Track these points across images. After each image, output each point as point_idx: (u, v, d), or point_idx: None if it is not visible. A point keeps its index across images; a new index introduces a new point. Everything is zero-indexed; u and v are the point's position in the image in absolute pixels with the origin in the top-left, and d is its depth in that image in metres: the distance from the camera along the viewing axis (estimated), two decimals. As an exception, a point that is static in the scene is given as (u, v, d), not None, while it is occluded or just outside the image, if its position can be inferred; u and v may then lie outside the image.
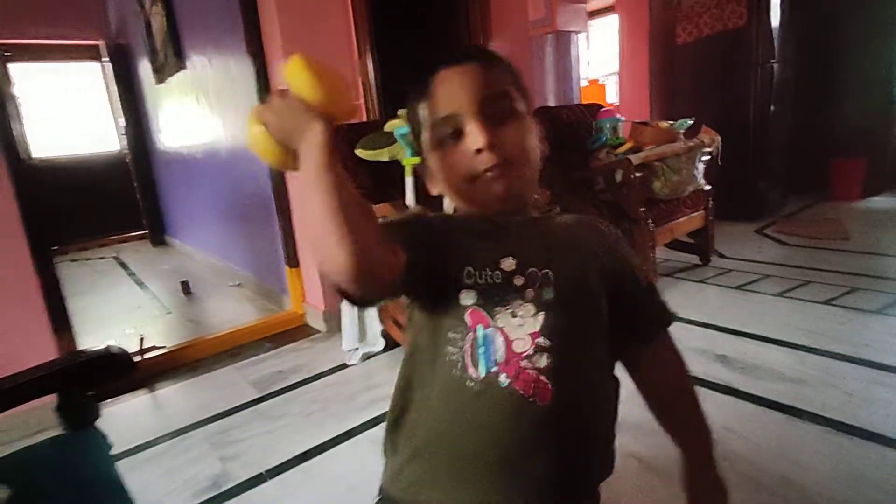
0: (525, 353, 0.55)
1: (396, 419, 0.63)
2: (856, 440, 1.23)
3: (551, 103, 2.88)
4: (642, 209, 2.17)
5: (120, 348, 0.82)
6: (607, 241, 0.65)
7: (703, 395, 1.45)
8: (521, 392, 0.54)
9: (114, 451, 1.40)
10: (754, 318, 1.93)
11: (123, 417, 1.73)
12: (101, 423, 0.77)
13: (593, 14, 5.43)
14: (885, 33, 3.55)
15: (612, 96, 4.40)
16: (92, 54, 4.84)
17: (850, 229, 2.93)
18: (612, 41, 3.97)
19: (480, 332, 0.56)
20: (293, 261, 2.35)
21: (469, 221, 0.64)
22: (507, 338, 0.56)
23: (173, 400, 1.83)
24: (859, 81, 3.68)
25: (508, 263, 0.58)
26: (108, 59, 4.51)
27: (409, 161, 1.86)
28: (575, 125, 2.63)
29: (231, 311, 2.72)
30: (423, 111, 0.63)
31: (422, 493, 0.58)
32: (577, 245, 0.63)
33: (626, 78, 3.84)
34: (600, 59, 6.00)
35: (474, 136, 0.58)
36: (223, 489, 1.28)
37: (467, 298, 0.57)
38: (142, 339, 2.00)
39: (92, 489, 0.62)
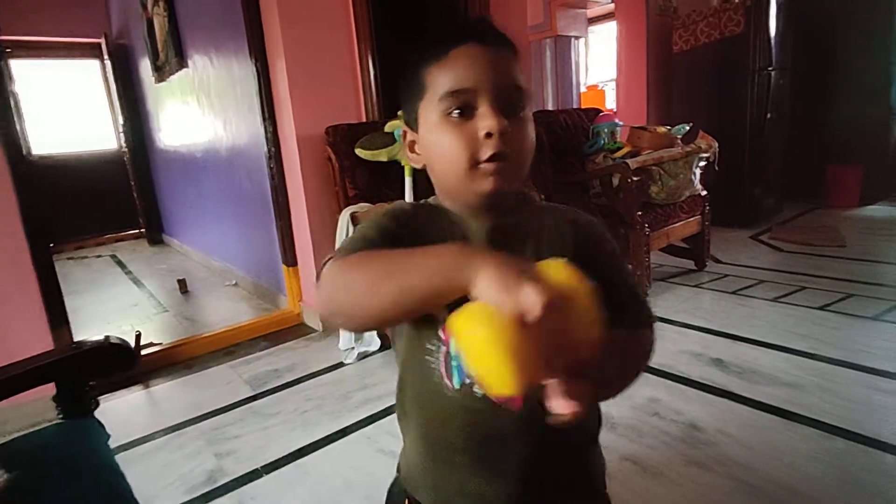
0: None
1: (400, 407, 0.65)
2: (852, 444, 1.24)
3: (550, 107, 2.89)
4: (638, 213, 2.19)
5: (119, 339, 0.82)
6: (589, 237, 0.63)
7: (698, 397, 1.47)
8: (496, 400, 0.52)
9: (110, 445, 1.40)
10: (749, 323, 1.94)
11: (119, 413, 1.73)
12: (99, 417, 0.77)
13: (593, 20, 5.47)
14: (882, 42, 3.59)
15: (611, 102, 4.42)
16: (93, 52, 4.84)
17: (846, 236, 2.95)
18: (612, 47, 3.99)
19: (453, 347, 0.55)
20: (290, 260, 2.35)
21: (439, 227, 0.61)
22: None
23: (168, 396, 1.83)
24: (856, 89, 3.71)
25: None
26: (108, 57, 4.51)
27: (407, 161, 1.87)
28: (573, 129, 2.64)
29: (227, 310, 2.71)
30: (432, 76, 0.57)
31: (417, 476, 0.63)
32: (553, 246, 0.60)
33: (624, 84, 3.87)
34: (600, 65, 6.04)
35: (487, 118, 0.54)
36: (218, 484, 1.28)
37: (440, 312, 0.54)
38: (138, 336, 1.99)
39: (92, 475, 0.62)
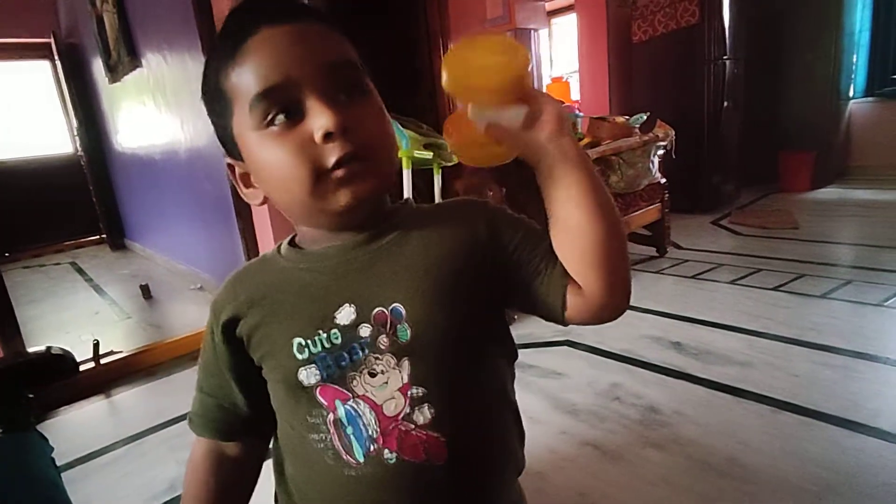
0: (401, 414, 0.46)
1: (280, 498, 0.57)
2: (798, 418, 1.29)
3: (513, 100, 2.93)
4: (600, 203, 2.22)
5: (61, 349, 0.81)
6: (485, 214, 0.52)
7: (658, 380, 1.51)
8: (413, 460, 0.46)
9: (68, 459, 1.37)
10: (707, 306, 2.00)
11: (78, 424, 1.68)
12: (57, 429, 0.75)
13: (554, 13, 5.51)
14: (831, 31, 3.71)
15: (576, 93, 4.48)
16: (42, 52, 4.66)
17: (800, 219, 3.06)
18: (574, 39, 4.04)
19: (341, 409, 0.47)
20: (254, 261, 2.32)
21: (289, 270, 0.51)
22: (373, 404, 0.47)
23: (130, 405, 1.79)
24: (806, 78, 3.83)
25: (346, 314, 0.47)
26: (58, 57, 4.34)
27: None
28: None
29: (193, 315, 2.66)
30: (232, 84, 0.45)
31: None
32: (434, 245, 0.50)
33: (587, 75, 3.92)
34: (563, 57, 6.09)
35: (320, 115, 0.42)
36: (179, 492, 1.26)
37: (310, 377, 0.47)
38: (96, 345, 1.95)
39: (28, 490, 0.61)
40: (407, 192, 1.81)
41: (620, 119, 2.49)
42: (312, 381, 0.47)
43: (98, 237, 5.02)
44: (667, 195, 2.60)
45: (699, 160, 3.41)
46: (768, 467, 1.13)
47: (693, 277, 2.34)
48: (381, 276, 0.48)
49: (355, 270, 0.49)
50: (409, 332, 0.46)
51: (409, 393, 0.46)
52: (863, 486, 1.05)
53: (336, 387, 0.47)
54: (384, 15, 2.65)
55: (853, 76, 3.89)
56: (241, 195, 0.53)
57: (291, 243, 0.54)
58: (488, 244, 0.50)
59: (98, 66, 3.83)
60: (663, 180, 2.57)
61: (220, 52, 0.47)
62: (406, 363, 0.46)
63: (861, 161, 3.98)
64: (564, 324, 0.50)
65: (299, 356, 0.47)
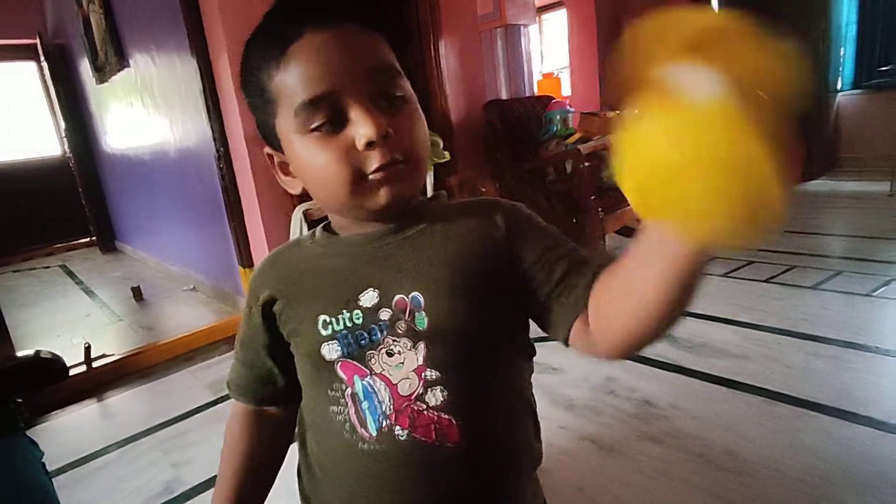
0: (414, 394, 0.48)
1: (307, 474, 0.58)
2: (792, 409, 1.30)
3: (504, 97, 2.92)
4: (592, 198, 2.23)
5: (51, 353, 0.79)
6: (506, 219, 0.52)
7: (652, 374, 1.52)
8: (424, 440, 0.47)
9: (60, 463, 1.35)
10: (701, 299, 2.01)
11: (70, 428, 1.67)
12: (49, 434, 0.74)
13: (544, 9, 5.51)
14: (819, 22, 3.73)
15: (567, 89, 4.48)
16: (28, 53, 4.60)
17: (791, 211, 3.07)
18: (564, 35, 4.04)
19: (359, 384, 0.49)
20: (246, 261, 2.30)
21: (320, 255, 0.55)
22: (389, 382, 0.48)
23: (124, 408, 1.78)
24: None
25: (369, 297, 0.49)
26: (45, 58, 4.29)
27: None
28: (526, 117, 2.67)
29: (185, 316, 2.65)
30: (277, 85, 0.47)
31: None
32: (455, 240, 0.51)
33: (577, 70, 3.92)
34: (555, 52, 6.09)
35: (363, 125, 0.44)
36: (175, 494, 1.25)
37: (331, 352, 0.50)
38: (87, 348, 1.93)
39: (16, 496, 0.60)
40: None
41: (611, 114, 2.50)
42: (334, 356, 0.50)
43: (88, 240, 4.98)
44: (659, 189, 2.60)
45: (690, 154, 3.42)
46: (764, 459, 1.14)
47: (686, 271, 2.34)
48: (403, 264, 0.50)
49: (381, 258, 0.51)
50: (426, 320, 0.48)
51: (423, 375, 0.48)
52: (857, 476, 1.06)
53: (356, 363, 0.49)
54: (375, 9, 2.64)
55: (841, 69, 3.92)
56: (280, 182, 0.55)
57: (326, 228, 0.57)
58: (506, 248, 0.51)
59: (85, 67, 3.79)
60: (655, 174, 2.58)
61: (263, 51, 0.48)
62: (422, 346, 0.48)
63: (850, 153, 4.01)
64: (565, 345, 0.50)
65: (323, 332, 0.50)
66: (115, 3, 2.97)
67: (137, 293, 3.02)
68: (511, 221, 0.52)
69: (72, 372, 1.93)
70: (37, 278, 4.08)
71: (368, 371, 0.49)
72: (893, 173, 3.16)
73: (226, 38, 1.97)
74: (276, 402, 0.61)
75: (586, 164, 2.18)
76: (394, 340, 0.48)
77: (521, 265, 0.50)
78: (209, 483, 1.28)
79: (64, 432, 1.63)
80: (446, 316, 0.48)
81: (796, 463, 1.12)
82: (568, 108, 2.62)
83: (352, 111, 0.45)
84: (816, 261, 2.25)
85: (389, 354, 0.49)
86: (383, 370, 0.49)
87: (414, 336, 0.48)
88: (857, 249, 2.37)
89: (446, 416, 0.47)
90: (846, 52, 3.91)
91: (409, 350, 0.48)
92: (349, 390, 0.49)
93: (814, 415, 1.27)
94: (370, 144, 0.45)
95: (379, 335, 0.49)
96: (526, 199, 2.52)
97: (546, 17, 5.84)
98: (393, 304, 0.49)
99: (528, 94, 3.18)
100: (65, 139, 4.61)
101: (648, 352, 1.65)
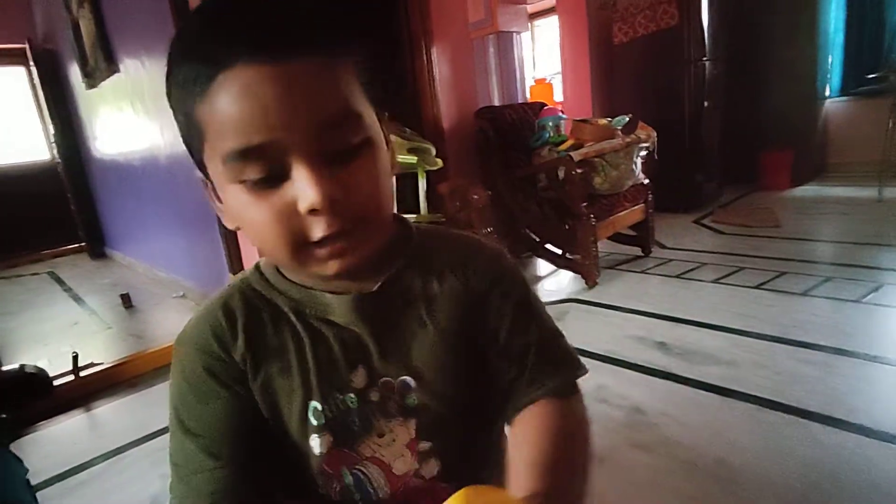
0: (411, 472, 0.45)
1: None
2: (782, 416, 1.30)
3: (496, 103, 2.92)
4: (584, 204, 2.23)
5: (36, 367, 0.78)
6: (488, 282, 0.48)
7: (643, 381, 1.52)
8: None
9: (46, 476, 1.33)
10: (692, 305, 2.01)
11: (57, 439, 1.64)
12: (35, 445, 0.73)
13: (536, 15, 5.54)
14: (807, 31, 3.77)
15: (559, 95, 4.50)
16: (17, 58, 4.57)
17: (781, 217, 3.10)
18: (556, 42, 4.06)
19: (348, 477, 0.45)
20: (237, 268, 2.29)
21: (290, 318, 0.46)
22: (382, 464, 0.45)
23: (111, 418, 1.75)
24: (785, 77, 3.89)
25: (360, 377, 0.45)
26: (34, 63, 4.26)
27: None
28: (518, 124, 2.67)
29: (175, 323, 2.62)
30: (202, 117, 0.37)
31: None
32: (441, 313, 0.47)
33: (569, 77, 3.94)
34: (547, 58, 6.12)
35: (306, 188, 0.36)
36: (162, 508, 1.24)
37: (320, 445, 0.44)
38: (75, 357, 1.90)
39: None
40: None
41: (603, 121, 2.51)
42: (322, 449, 0.44)
43: (77, 246, 4.93)
44: (650, 196, 2.62)
45: (681, 160, 3.44)
46: (754, 466, 1.14)
47: (678, 277, 2.35)
48: (387, 345, 0.45)
49: (365, 328, 0.45)
50: (416, 400, 0.45)
51: (416, 448, 0.45)
52: (845, 483, 1.06)
53: (345, 451, 0.45)
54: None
55: (829, 76, 3.96)
56: (214, 209, 0.46)
57: (277, 270, 0.48)
58: (483, 312, 0.48)
59: (75, 72, 3.77)
60: (647, 181, 2.59)
61: (185, 71, 0.37)
62: (413, 420, 0.45)
63: (838, 159, 4.06)
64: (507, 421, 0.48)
65: (315, 422, 0.44)
66: (106, 8, 2.96)
67: (126, 300, 2.99)
68: (493, 285, 0.48)
69: (59, 381, 1.90)
70: (24, 285, 4.03)
71: (358, 457, 0.45)
72: (881, 179, 3.20)
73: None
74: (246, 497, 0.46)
75: (578, 170, 2.19)
76: (385, 423, 0.45)
77: (496, 335, 0.48)
78: (197, 495, 1.26)
79: (50, 443, 1.60)
80: (437, 394, 0.45)
81: (785, 470, 1.12)
82: (560, 114, 2.63)
83: (294, 168, 0.37)
84: (806, 267, 2.27)
85: (380, 435, 0.45)
86: (374, 452, 0.45)
87: (404, 412, 0.45)
88: (847, 255, 2.39)
89: (443, 485, 0.45)
90: (834, 60, 3.96)
91: (400, 425, 0.45)
92: (337, 486, 0.45)
93: (803, 422, 1.27)
94: (312, 211, 0.37)
95: (372, 419, 0.45)
96: (518, 205, 2.52)
97: (538, 23, 5.89)
98: (381, 384, 0.45)
99: (520, 100, 3.19)
100: (53, 144, 4.57)
101: (639, 358, 1.65)
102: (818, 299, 1.93)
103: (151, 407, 1.77)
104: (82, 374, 1.95)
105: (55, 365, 1.99)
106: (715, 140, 3.62)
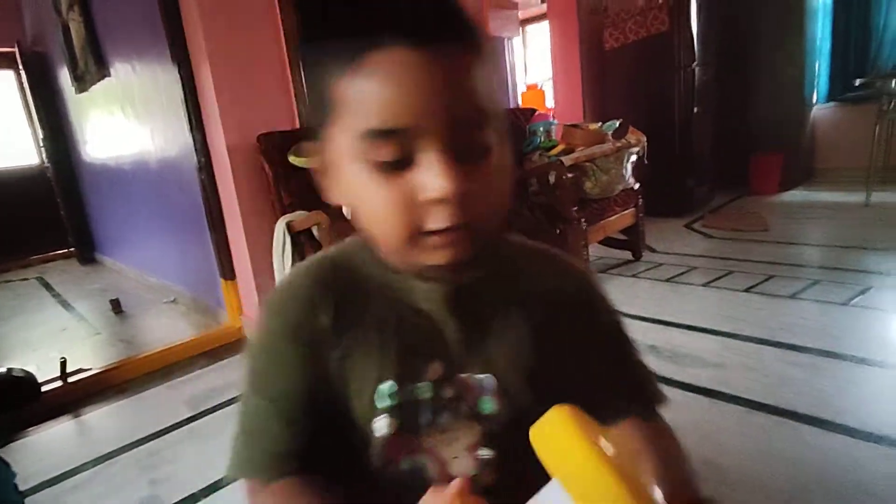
0: (467, 476, 0.43)
1: None
2: (770, 418, 1.31)
3: (488, 108, 2.95)
4: (575, 209, 2.25)
5: (23, 371, 0.78)
6: (582, 299, 0.49)
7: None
8: None
9: (35, 482, 1.32)
10: (682, 309, 2.03)
11: (46, 445, 1.62)
12: (24, 451, 0.72)
13: (527, 21, 5.58)
14: (795, 37, 3.82)
15: (551, 100, 4.53)
16: (6, 62, 4.54)
17: (770, 221, 3.13)
18: (547, 47, 4.09)
19: (404, 463, 0.44)
20: (228, 273, 2.28)
21: (382, 299, 0.46)
22: (439, 459, 0.44)
23: (100, 424, 1.74)
24: (773, 82, 3.94)
25: (436, 370, 0.44)
26: (23, 66, 4.23)
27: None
28: (510, 129, 2.68)
29: (165, 329, 2.60)
30: (341, 93, 0.38)
31: None
32: (532, 318, 0.46)
33: (560, 83, 3.97)
34: (539, 64, 6.16)
35: (434, 176, 0.36)
36: (151, 514, 1.23)
37: (383, 426, 0.43)
38: (63, 363, 1.89)
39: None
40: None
41: (594, 126, 2.53)
42: (384, 431, 0.43)
43: (66, 251, 4.88)
44: (641, 200, 2.64)
45: (672, 165, 3.47)
46: (742, 468, 1.15)
47: (668, 281, 2.37)
48: (475, 336, 0.45)
49: (452, 320, 0.45)
50: (493, 405, 0.44)
51: (477, 454, 0.44)
52: (832, 484, 1.07)
53: (407, 439, 0.44)
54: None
55: (817, 82, 4.02)
56: (322, 185, 0.45)
57: (371, 250, 0.47)
58: (572, 326, 0.48)
59: (65, 76, 3.74)
60: (637, 185, 2.61)
61: (333, 45, 0.37)
62: (479, 427, 0.44)
63: (825, 164, 4.11)
64: None
65: (380, 404, 0.43)
66: (96, 11, 2.95)
67: (116, 306, 2.97)
68: (584, 301, 0.49)
69: (48, 387, 1.88)
70: (12, 291, 3.99)
71: (418, 448, 0.44)
72: (868, 184, 3.24)
73: (207, 47, 1.96)
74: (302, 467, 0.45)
75: (569, 175, 2.20)
76: (452, 420, 0.44)
77: (581, 360, 0.48)
78: (188, 501, 1.25)
79: (39, 449, 1.59)
80: (516, 403, 0.44)
81: (774, 472, 1.13)
82: (551, 119, 2.64)
83: (424, 156, 0.37)
84: (794, 270, 2.29)
85: (443, 431, 0.44)
86: (435, 445, 0.44)
87: (474, 416, 0.44)
88: (834, 259, 2.42)
89: (492, 501, 0.42)
90: (821, 67, 4.02)
91: (467, 428, 0.44)
92: (393, 471, 0.44)
93: (791, 423, 1.28)
94: (437, 201, 0.37)
95: (441, 415, 0.44)
96: (509, 210, 2.53)
97: (530, 28, 5.92)
98: (458, 381, 0.44)
99: (511, 105, 3.20)
100: (42, 148, 4.53)
101: (630, 362, 1.66)
102: (806, 302, 1.95)
103: (140, 412, 1.76)
104: (71, 379, 1.93)
105: (44, 371, 1.97)
106: (705, 145, 3.65)
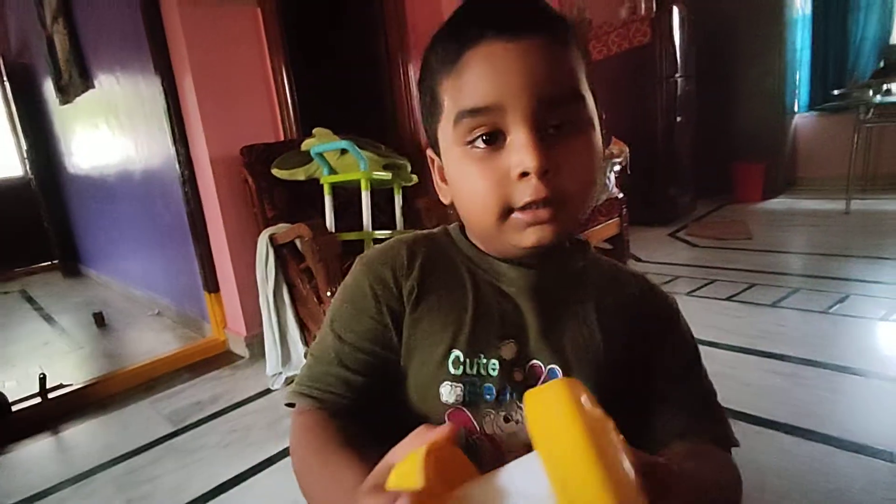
0: None
1: None
2: (750, 427, 1.32)
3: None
4: (560, 219, 2.26)
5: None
6: (661, 318, 0.51)
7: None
8: None
9: (13, 500, 1.29)
10: (665, 318, 2.04)
11: (22, 464, 1.59)
12: (1, 470, 0.71)
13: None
14: (775, 48, 3.90)
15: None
16: (-11, 74, 4.49)
17: (753, 229, 3.17)
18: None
19: (464, 439, 0.45)
20: (212, 286, 2.26)
21: (466, 274, 0.49)
22: (498, 447, 0.44)
23: (79, 441, 1.71)
24: (754, 93, 4.01)
25: (509, 349, 0.45)
26: (6, 78, 4.20)
27: (326, 179, 1.85)
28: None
29: (149, 342, 2.57)
30: (445, 90, 0.44)
31: None
32: (607, 325, 0.48)
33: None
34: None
35: (521, 151, 0.40)
36: (128, 534, 1.20)
37: (450, 395, 0.45)
38: (42, 378, 1.86)
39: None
40: (366, 215, 1.81)
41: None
42: (450, 399, 0.45)
43: (50, 264, 4.82)
44: (625, 209, 2.66)
45: (655, 174, 3.51)
46: (723, 478, 1.15)
47: (652, 289, 2.38)
48: (551, 326, 0.47)
49: (532, 306, 0.47)
50: None
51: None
52: (813, 493, 1.08)
53: (469, 415, 0.45)
54: (343, 31, 2.66)
55: (797, 91, 4.09)
56: (436, 186, 0.52)
57: (463, 232, 0.52)
58: (648, 348, 0.49)
59: (49, 87, 3.71)
60: (620, 195, 2.63)
61: (439, 53, 0.44)
62: None
63: (807, 172, 4.18)
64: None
65: (452, 370, 0.45)
66: (80, 23, 2.93)
67: (99, 319, 2.93)
68: (662, 322, 0.51)
69: (26, 404, 1.85)
70: (-7, 304, 3.93)
71: (478, 429, 0.44)
72: (848, 192, 3.29)
73: (189, 59, 1.96)
74: (358, 416, 0.48)
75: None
76: (518, 407, 0.44)
77: (654, 376, 0.49)
78: (165, 520, 1.24)
79: (16, 468, 1.55)
80: None
81: (755, 481, 1.13)
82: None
83: (512, 133, 0.41)
84: (775, 278, 2.32)
85: (507, 420, 0.44)
86: (494, 431, 0.44)
87: None
88: (814, 267, 2.45)
89: None
90: (801, 76, 4.09)
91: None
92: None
93: (771, 432, 1.29)
94: (524, 174, 0.40)
95: (507, 397, 0.44)
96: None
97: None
98: (528, 367, 0.45)
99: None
100: (26, 159, 4.48)
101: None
102: (786, 310, 1.97)
103: (121, 429, 1.73)
104: (50, 395, 1.90)
105: (24, 386, 1.94)
106: (688, 154, 3.70)
